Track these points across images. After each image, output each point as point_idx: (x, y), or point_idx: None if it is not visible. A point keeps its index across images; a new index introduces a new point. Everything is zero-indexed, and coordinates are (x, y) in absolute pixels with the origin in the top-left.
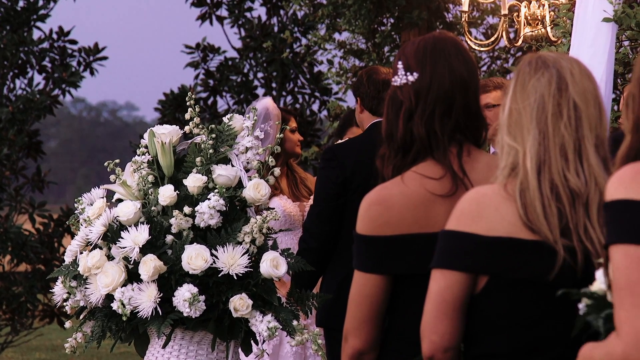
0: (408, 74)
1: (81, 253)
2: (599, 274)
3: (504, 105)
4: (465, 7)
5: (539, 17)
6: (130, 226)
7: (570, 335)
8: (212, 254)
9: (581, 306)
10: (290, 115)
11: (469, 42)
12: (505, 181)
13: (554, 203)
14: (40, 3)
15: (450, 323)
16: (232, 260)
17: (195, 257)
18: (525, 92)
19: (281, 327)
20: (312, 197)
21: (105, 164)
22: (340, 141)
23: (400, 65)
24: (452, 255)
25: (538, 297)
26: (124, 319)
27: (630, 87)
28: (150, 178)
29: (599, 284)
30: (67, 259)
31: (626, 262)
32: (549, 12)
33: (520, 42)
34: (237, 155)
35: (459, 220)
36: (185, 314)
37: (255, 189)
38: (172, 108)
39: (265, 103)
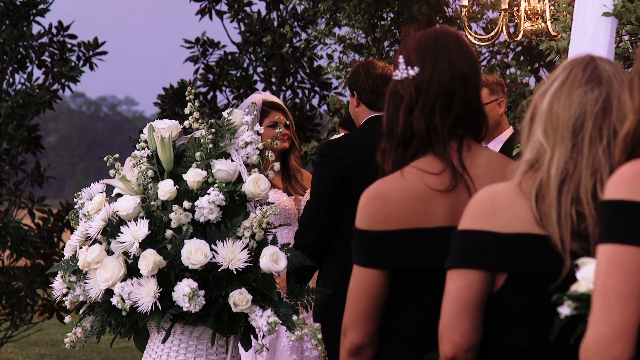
0: (409, 68)
1: (80, 248)
2: (580, 275)
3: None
4: (465, 2)
5: (539, 12)
6: (129, 221)
7: None
8: (211, 249)
9: (564, 310)
10: (273, 109)
11: (468, 36)
12: (520, 178)
13: (573, 217)
14: None
15: (471, 322)
16: (232, 255)
17: (194, 252)
18: (569, 100)
19: (281, 322)
20: (307, 192)
21: (105, 158)
22: (336, 136)
23: (401, 59)
24: (470, 254)
25: (557, 292)
26: (124, 313)
27: (637, 65)
28: (150, 173)
29: (587, 284)
30: (67, 253)
31: (606, 267)
32: (549, 6)
33: (520, 36)
34: (236, 150)
35: (473, 219)
36: (184, 309)
37: (255, 184)
38: (171, 103)
39: (253, 97)
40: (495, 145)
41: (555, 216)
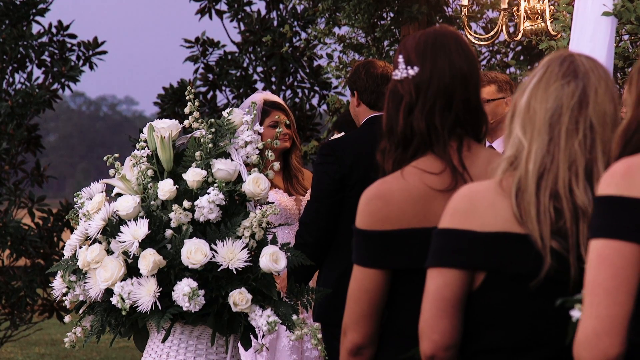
0: (409, 67)
1: (80, 247)
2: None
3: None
4: (464, 1)
5: (539, 11)
6: (129, 220)
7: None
8: (211, 249)
9: (575, 313)
10: (274, 109)
11: (468, 36)
12: (501, 176)
13: (551, 214)
14: None
15: (450, 321)
16: (232, 254)
17: (194, 252)
18: (546, 94)
19: (281, 321)
20: (308, 192)
21: (105, 158)
22: (336, 136)
23: (401, 59)
24: (448, 253)
25: (536, 291)
26: (124, 313)
27: (639, 62)
28: (150, 172)
29: None
30: (67, 253)
31: (596, 262)
32: (549, 6)
33: (520, 36)
34: (236, 150)
35: (452, 217)
36: (184, 309)
37: (254, 184)
38: (171, 102)
39: (254, 96)
40: (499, 144)
41: (535, 213)
